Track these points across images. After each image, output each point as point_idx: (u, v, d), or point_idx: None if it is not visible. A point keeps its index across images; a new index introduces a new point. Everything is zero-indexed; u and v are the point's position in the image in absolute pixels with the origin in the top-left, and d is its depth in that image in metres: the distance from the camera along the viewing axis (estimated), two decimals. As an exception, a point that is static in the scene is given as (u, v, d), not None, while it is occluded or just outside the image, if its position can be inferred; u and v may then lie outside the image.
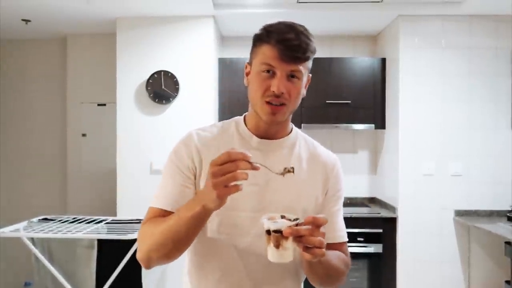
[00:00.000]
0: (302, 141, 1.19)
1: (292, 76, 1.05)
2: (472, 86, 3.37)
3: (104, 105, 3.91)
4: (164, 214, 1.05)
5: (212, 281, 1.11)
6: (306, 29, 1.07)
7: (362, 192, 4.02)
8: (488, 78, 3.36)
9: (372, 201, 3.98)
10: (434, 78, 3.38)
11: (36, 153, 4.05)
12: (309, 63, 1.08)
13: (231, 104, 3.59)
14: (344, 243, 1.17)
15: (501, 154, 3.35)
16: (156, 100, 3.40)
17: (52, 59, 4.05)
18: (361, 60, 3.70)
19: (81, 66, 3.93)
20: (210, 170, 0.88)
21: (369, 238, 3.38)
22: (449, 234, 3.35)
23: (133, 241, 2.47)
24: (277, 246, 0.90)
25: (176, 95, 3.41)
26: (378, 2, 3.23)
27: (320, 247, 0.90)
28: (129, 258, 2.57)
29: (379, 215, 3.43)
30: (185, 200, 1.01)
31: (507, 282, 3.00)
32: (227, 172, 0.86)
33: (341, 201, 1.19)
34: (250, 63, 1.11)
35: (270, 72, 1.05)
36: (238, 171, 0.86)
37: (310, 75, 1.13)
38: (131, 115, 3.44)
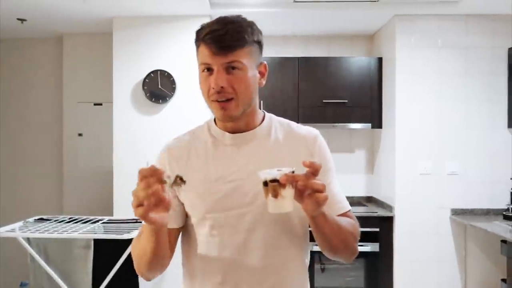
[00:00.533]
0: (277, 125, 1.16)
1: (232, 68, 1.02)
2: (469, 85, 3.37)
3: (101, 104, 3.90)
4: None
5: (215, 284, 1.08)
6: (240, 19, 1.06)
7: (359, 191, 4.01)
8: (484, 77, 3.37)
9: (369, 200, 3.98)
10: (431, 77, 3.38)
11: (32, 152, 4.03)
12: (253, 51, 1.06)
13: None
14: (346, 212, 1.13)
15: (497, 153, 3.36)
16: (153, 99, 3.40)
17: (48, 59, 4.03)
18: (358, 60, 3.70)
19: (77, 65, 3.91)
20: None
21: (366, 237, 3.37)
22: (445, 233, 3.36)
23: (130, 241, 2.46)
24: (275, 196, 0.90)
25: (173, 95, 3.40)
26: (375, 1, 3.23)
27: (321, 191, 0.89)
28: (125, 258, 2.56)
29: (376, 214, 3.43)
30: (171, 214, 1.02)
31: (503, 280, 3.00)
32: (136, 194, 0.87)
33: (332, 172, 1.15)
34: None
35: (210, 71, 1.03)
36: (141, 194, 0.86)
37: (265, 62, 1.11)
38: (128, 115, 3.43)
